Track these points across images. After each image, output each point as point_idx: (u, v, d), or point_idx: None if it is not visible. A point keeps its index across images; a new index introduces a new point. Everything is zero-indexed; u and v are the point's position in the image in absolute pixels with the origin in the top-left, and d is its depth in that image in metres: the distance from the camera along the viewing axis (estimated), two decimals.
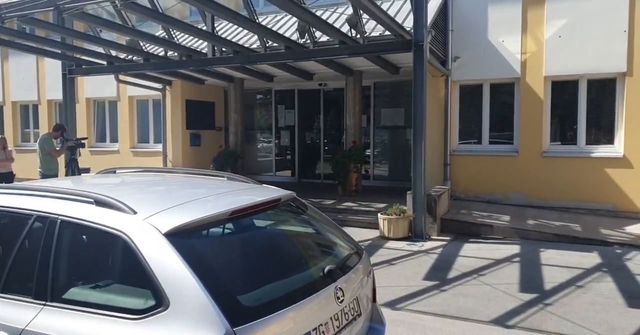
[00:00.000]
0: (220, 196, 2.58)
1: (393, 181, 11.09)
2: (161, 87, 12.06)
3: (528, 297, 4.85)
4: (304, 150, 12.44)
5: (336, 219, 8.14)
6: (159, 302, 1.87)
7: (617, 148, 8.56)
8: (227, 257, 2.26)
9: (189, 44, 10.43)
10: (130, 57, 10.62)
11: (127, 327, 1.88)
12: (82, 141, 9.30)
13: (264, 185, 3.13)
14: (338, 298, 2.33)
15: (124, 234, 2.04)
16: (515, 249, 6.72)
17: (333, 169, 9.93)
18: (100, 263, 2.23)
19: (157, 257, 1.95)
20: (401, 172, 11.18)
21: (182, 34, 10.80)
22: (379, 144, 11.53)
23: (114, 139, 13.47)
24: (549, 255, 6.35)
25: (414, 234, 7.19)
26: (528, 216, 8.19)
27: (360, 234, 7.51)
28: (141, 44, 9.85)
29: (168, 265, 1.92)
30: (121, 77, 11.61)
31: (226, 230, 2.48)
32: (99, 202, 2.21)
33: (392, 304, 4.66)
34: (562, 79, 8.86)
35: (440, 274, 5.63)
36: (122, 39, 9.88)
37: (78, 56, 10.34)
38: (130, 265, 2.02)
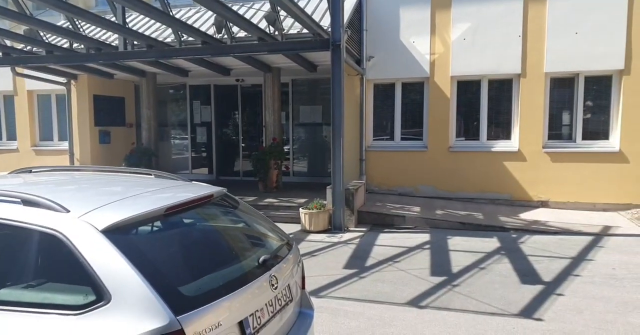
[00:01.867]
0: (153, 193, 2.60)
1: (312, 177, 11.34)
2: (65, 81, 11.32)
3: (438, 279, 5.26)
4: (221, 147, 12.29)
5: None
6: (100, 296, 1.89)
7: (513, 143, 9.41)
8: (165, 251, 2.32)
9: (97, 36, 9.90)
10: (28, 48, 9.84)
11: (67, 322, 1.87)
12: None
13: (194, 182, 3.17)
14: (273, 285, 2.48)
15: (59, 232, 2.02)
16: (426, 237, 7.20)
17: (254, 165, 9.95)
18: (32, 263, 2.16)
19: (96, 254, 1.96)
20: (319, 167, 11.46)
21: (89, 25, 10.24)
22: (298, 140, 11.72)
23: (12, 137, 12.44)
24: (455, 242, 6.89)
25: (334, 227, 7.46)
26: (437, 207, 8.78)
27: (282, 229, 7.62)
28: (42, 34, 9.19)
29: (108, 261, 1.94)
30: (18, 69, 10.74)
31: (162, 226, 2.51)
32: (27, 202, 2.15)
33: (315, 293, 4.84)
34: (466, 78, 9.57)
35: (359, 263, 5.92)
36: (17, 28, 9.14)
37: None
38: (66, 263, 2.00)
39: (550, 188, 9.14)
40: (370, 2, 9.69)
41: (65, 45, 9.65)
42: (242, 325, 2.20)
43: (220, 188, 2.92)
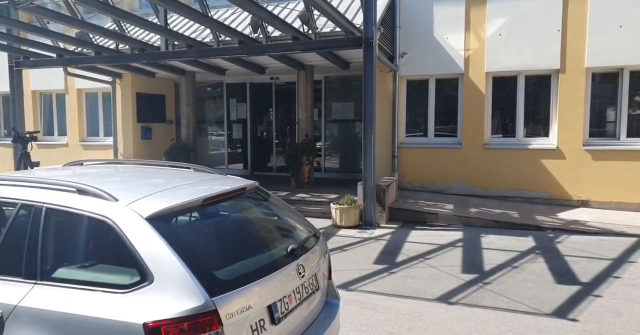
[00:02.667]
0: (192, 185, 2.80)
1: (343, 173, 11.43)
2: (111, 80, 11.85)
3: (469, 277, 5.25)
4: (256, 143, 12.55)
5: None
6: (144, 277, 2.10)
7: (551, 140, 9.20)
8: (202, 238, 2.56)
9: (140, 37, 10.30)
10: (79, 49, 10.37)
11: (116, 299, 2.10)
12: (35, 135, 9.17)
13: (229, 175, 3.35)
14: (300, 273, 2.63)
15: (109, 219, 2.25)
16: (458, 234, 7.16)
17: (286, 161, 10.13)
18: (85, 246, 2.43)
19: (141, 238, 2.17)
20: (351, 164, 11.53)
21: (133, 27, 10.68)
22: (330, 137, 11.82)
23: (62, 132, 13.14)
24: (489, 240, 6.82)
25: (364, 222, 7.52)
26: (470, 204, 8.69)
27: (314, 223, 7.71)
28: (91, 36, 9.66)
29: (151, 246, 2.15)
30: (70, 69, 11.34)
31: (200, 215, 2.73)
32: (81, 191, 2.40)
33: (346, 286, 4.94)
34: (502, 74, 9.41)
35: (389, 258, 5.97)
36: (69, 31, 9.66)
37: (25, 48, 10.04)
38: (115, 246, 2.23)
39: (591, 187, 8.88)
40: (403, 0, 9.67)
41: (111, 46, 10.11)
42: (270, 309, 2.36)
43: (253, 181, 3.09)
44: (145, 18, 8.32)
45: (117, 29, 9.58)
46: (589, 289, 4.90)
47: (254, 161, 12.53)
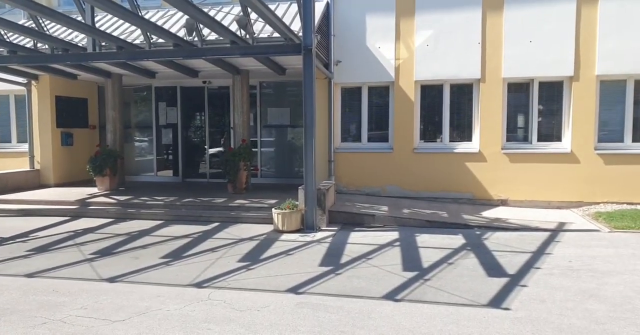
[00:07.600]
0: None
1: (280, 178, 11.48)
2: (25, 81, 11.03)
3: (410, 274, 5.51)
4: (187, 149, 12.25)
5: (229, 217, 8.31)
6: None
7: (474, 144, 9.86)
8: None
9: (62, 36, 9.70)
10: None
11: None
12: None
13: None
14: None
15: None
16: (395, 234, 7.47)
17: (223, 167, 9.99)
18: None
19: None
20: (287, 169, 11.61)
21: (52, 25, 10.03)
22: (266, 142, 11.82)
23: None
24: (423, 239, 7.18)
25: (306, 226, 7.61)
26: (403, 206, 9.09)
27: (254, 230, 7.75)
28: (3, 33, 8.94)
29: None
30: None
31: None
32: None
33: (294, 289, 4.99)
34: (429, 83, 9.95)
35: (333, 260, 6.10)
36: None
37: None
38: None
39: (509, 187, 9.64)
40: (337, 8, 9.93)
41: (28, 45, 9.40)
42: None
43: None
44: (68, 15, 7.83)
45: (34, 26, 8.94)
46: (515, 280, 5.32)
47: (185, 167, 12.21)
